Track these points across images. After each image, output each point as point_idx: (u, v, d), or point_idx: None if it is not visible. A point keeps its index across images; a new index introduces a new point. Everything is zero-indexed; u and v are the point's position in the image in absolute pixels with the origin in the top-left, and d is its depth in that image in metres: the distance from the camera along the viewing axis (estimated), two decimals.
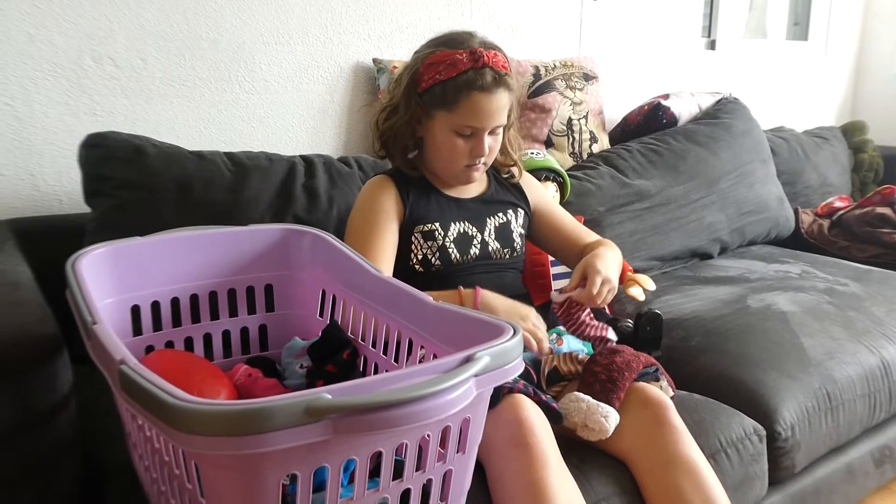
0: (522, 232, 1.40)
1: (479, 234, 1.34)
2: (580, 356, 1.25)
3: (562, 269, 1.63)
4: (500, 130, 1.29)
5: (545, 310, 1.52)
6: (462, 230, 1.32)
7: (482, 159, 1.28)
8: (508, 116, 1.30)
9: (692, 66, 2.66)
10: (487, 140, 1.26)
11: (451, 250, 1.30)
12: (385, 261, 1.26)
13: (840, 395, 1.44)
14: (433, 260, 1.29)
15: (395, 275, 1.11)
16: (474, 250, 1.32)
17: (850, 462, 1.52)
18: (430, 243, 1.29)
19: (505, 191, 1.42)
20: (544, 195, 1.50)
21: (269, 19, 1.70)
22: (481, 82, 1.21)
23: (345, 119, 1.87)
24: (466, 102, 1.22)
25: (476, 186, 1.39)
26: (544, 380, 1.21)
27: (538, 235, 1.47)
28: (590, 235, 1.45)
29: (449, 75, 1.22)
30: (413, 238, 1.29)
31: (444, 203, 1.33)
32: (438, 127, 1.26)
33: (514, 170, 1.43)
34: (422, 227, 1.29)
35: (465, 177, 1.31)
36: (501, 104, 1.24)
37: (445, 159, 1.29)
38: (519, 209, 1.41)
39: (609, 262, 1.28)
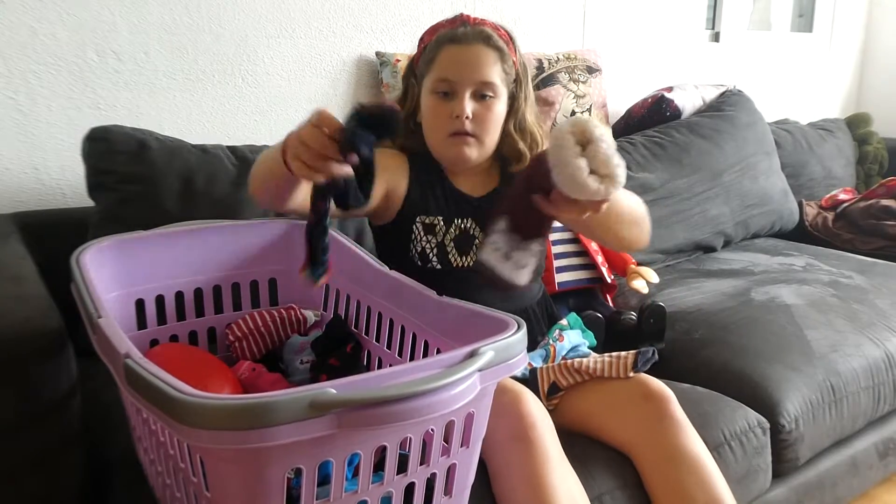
0: None
1: (482, 235, 1.27)
2: (579, 365, 1.18)
3: (565, 261, 1.63)
4: (492, 103, 1.21)
5: (551, 301, 1.52)
6: (464, 227, 1.27)
7: (467, 126, 1.19)
8: (514, 101, 1.24)
9: (696, 58, 2.65)
10: (471, 104, 1.19)
11: (449, 248, 1.26)
12: None
13: (844, 388, 1.44)
14: (430, 256, 1.25)
15: (395, 265, 1.09)
16: (475, 251, 1.27)
17: (854, 455, 1.52)
18: (429, 237, 1.25)
19: None
20: None
21: (272, 12, 1.70)
22: (454, 35, 1.21)
23: (347, 112, 1.86)
24: (441, 56, 1.21)
25: (485, 183, 1.31)
26: (545, 395, 1.18)
27: None
28: None
29: (429, 40, 1.24)
30: (414, 227, 1.25)
31: (451, 196, 1.28)
32: (424, 94, 1.24)
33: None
34: (424, 218, 1.25)
35: (455, 151, 1.23)
36: (480, 58, 1.20)
37: (430, 128, 1.25)
38: None
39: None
